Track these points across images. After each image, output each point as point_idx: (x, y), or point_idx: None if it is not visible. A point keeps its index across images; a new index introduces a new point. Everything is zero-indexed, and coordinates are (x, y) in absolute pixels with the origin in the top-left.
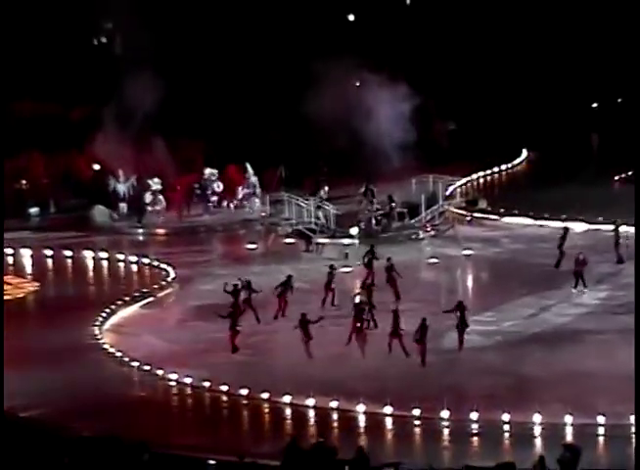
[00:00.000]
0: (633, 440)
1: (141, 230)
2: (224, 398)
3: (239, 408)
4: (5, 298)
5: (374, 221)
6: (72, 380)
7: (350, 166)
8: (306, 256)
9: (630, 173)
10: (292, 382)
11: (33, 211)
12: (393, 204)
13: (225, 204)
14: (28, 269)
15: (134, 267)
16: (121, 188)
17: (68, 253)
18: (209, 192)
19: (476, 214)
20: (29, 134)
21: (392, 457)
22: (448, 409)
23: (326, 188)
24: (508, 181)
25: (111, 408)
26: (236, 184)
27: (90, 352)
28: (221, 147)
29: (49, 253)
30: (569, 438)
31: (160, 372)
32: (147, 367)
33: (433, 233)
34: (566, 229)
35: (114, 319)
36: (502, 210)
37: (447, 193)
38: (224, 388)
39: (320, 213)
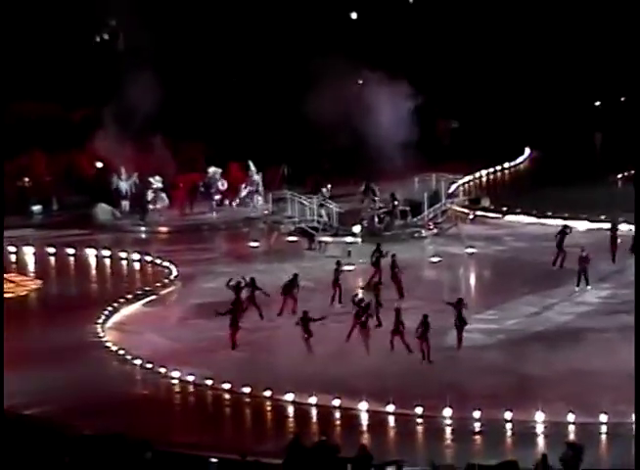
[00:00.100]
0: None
1: (143, 228)
2: (226, 396)
3: (241, 406)
4: (7, 296)
5: (377, 219)
6: (75, 378)
7: (353, 165)
8: (309, 254)
9: (633, 172)
10: (294, 380)
11: (36, 208)
12: (396, 202)
13: (227, 202)
14: (31, 267)
15: (137, 265)
16: (124, 186)
17: (71, 250)
18: (214, 190)
19: (478, 213)
20: (31, 134)
21: (395, 455)
22: (451, 407)
23: (329, 186)
24: (511, 180)
25: (113, 406)
26: (238, 182)
27: (92, 350)
28: (223, 145)
29: (51, 250)
30: (571, 436)
31: (162, 370)
32: (149, 365)
33: (435, 231)
34: (564, 227)
35: (116, 317)
36: (505, 208)
37: (450, 191)
38: (226, 386)
39: (323, 211)
